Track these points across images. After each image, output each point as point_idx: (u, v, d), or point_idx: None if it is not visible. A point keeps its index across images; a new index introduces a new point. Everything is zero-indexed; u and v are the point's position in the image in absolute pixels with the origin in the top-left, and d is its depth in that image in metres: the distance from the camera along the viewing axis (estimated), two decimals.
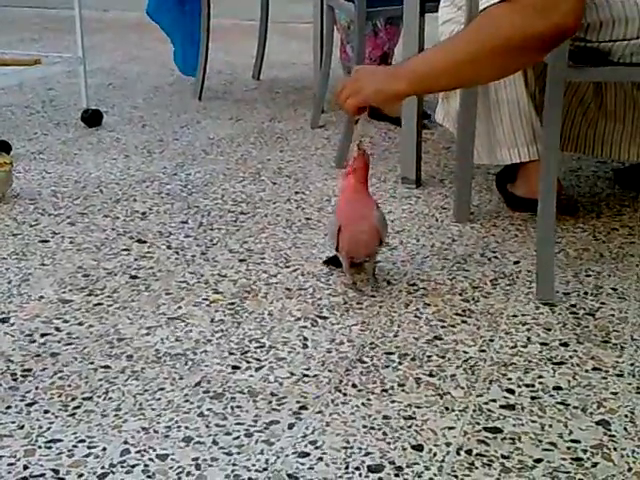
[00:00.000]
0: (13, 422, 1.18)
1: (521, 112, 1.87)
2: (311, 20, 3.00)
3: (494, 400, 1.23)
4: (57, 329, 1.44)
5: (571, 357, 1.35)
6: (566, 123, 1.96)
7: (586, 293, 1.58)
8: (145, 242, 1.81)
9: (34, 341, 1.40)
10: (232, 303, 1.53)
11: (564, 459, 1.10)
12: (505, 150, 1.90)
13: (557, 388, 1.27)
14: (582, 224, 1.91)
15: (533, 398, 1.24)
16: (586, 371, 1.31)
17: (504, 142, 1.90)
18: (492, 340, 1.41)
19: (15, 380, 1.28)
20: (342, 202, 1.58)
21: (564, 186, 2.00)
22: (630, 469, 1.08)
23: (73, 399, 1.23)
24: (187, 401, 1.23)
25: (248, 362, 1.34)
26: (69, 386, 1.27)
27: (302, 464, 1.09)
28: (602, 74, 1.61)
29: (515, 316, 1.49)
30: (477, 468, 1.08)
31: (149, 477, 1.07)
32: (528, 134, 1.88)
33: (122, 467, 1.08)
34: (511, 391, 1.26)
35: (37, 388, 1.26)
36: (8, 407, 1.21)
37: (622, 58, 1.54)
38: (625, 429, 1.17)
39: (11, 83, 2.92)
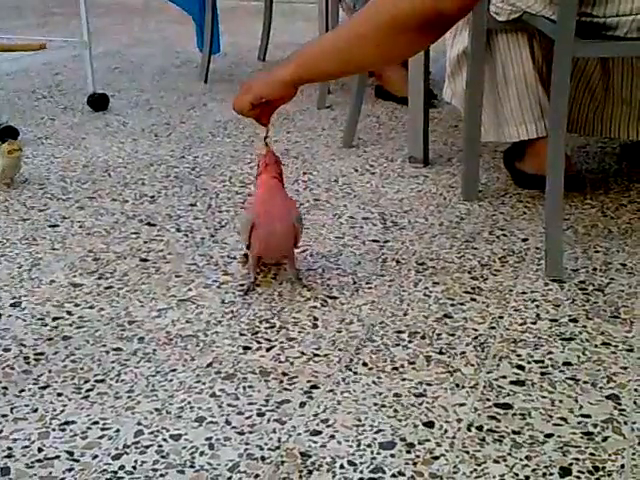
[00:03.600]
0: (27, 405, 1.19)
1: (528, 89, 1.86)
2: (316, 0, 2.98)
3: (504, 376, 1.24)
4: (69, 313, 1.45)
5: (580, 333, 1.36)
6: (573, 105, 1.95)
7: (595, 269, 1.58)
8: (154, 225, 1.82)
9: (46, 325, 1.41)
10: (242, 284, 1.54)
11: (574, 433, 1.11)
12: (513, 127, 1.90)
13: (567, 364, 1.27)
14: (590, 200, 1.90)
15: (543, 374, 1.24)
16: (596, 346, 1.32)
17: (512, 119, 1.89)
18: (501, 317, 1.41)
19: (28, 364, 1.29)
20: (257, 199, 1.49)
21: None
22: None
23: (86, 382, 1.24)
24: (199, 382, 1.24)
25: (259, 342, 1.34)
26: (82, 369, 1.28)
27: (314, 442, 1.10)
28: (609, 49, 1.60)
29: (524, 293, 1.49)
30: (488, 444, 1.09)
31: (163, 457, 1.08)
32: (536, 111, 1.87)
33: (136, 448, 1.09)
34: (521, 367, 1.26)
35: (50, 371, 1.27)
36: (22, 390, 1.22)
37: (629, 33, 1.53)
38: (635, 403, 1.17)
39: (17, 68, 2.92)
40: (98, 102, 2.69)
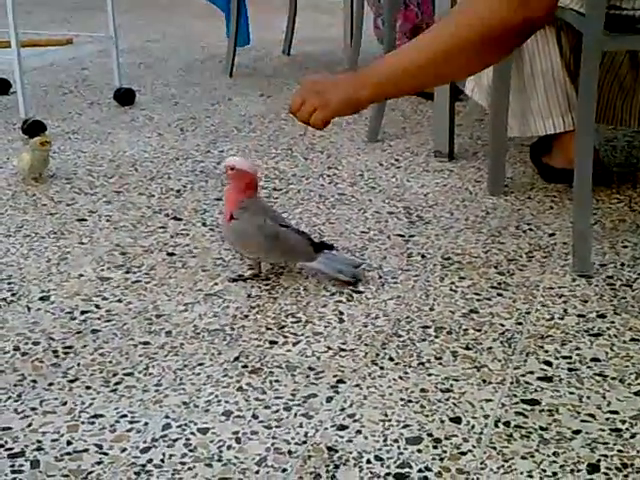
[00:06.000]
0: (56, 398, 1.20)
1: (556, 82, 1.85)
2: None
3: (531, 372, 1.23)
4: (97, 306, 1.46)
5: (608, 328, 1.35)
6: (602, 96, 1.93)
7: (623, 264, 1.56)
8: (181, 219, 1.83)
9: (74, 318, 1.42)
10: (268, 279, 1.54)
11: (602, 430, 1.10)
12: (540, 121, 1.88)
13: (595, 360, 1.26)
14: (618, 195, 1.88)
15: (571, 370, 1.24)
16: (624, 342, 1.31)
17: (539, 113, 1.88)
18: (528, 312, 1.41)
19: (57, 357, 1.31)
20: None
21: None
22: None
23: (114, 375, 1.25)
24: (226, 376, 1.25)
25: (285, 337, 1.35)
26: (110, 362, 1.29)
27: (341, 437, 1.10)
28: (638, 42, 1.59)
29: (551, 288, 1.48)
30: (516, 440, 1.09)
31: (191, 451, 1.08)
32: (563, 104, 1.85)
33: (164, 441, 1.10)
34: (548, 363, 1.26)
35: (79, 365, 1.28)
36: (51, 384, 1.24)
37: None
38: None
39: (44, 63, 2.95)
40: (124, 97, 2.71)
